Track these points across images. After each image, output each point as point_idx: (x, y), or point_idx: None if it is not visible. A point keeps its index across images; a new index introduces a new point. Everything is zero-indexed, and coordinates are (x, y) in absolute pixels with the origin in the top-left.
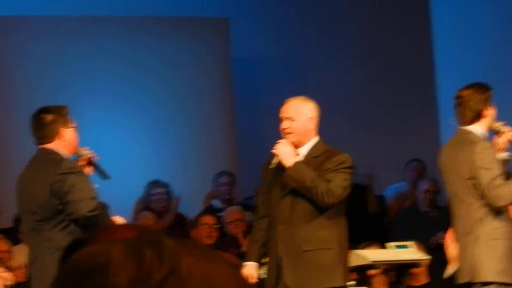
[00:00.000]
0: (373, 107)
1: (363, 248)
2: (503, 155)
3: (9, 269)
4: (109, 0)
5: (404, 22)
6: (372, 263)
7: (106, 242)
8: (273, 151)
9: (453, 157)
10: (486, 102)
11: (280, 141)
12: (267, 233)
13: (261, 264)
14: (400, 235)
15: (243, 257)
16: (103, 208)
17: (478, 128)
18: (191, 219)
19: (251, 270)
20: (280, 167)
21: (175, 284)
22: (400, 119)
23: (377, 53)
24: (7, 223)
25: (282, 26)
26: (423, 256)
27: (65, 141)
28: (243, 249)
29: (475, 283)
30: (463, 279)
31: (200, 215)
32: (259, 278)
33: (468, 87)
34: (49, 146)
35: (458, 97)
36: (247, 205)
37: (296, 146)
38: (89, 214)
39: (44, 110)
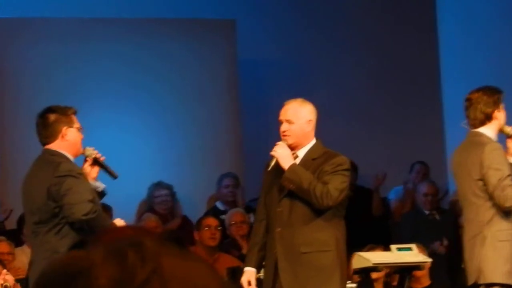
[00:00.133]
0: (378, 109)
1: (367, 251)
2: None
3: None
4: (115, 2)
5: (409, 23)
6: (374, 265)
7: (107, 244)
8: (272, 153)
9: (464, 159)
10: (496, 104)
11: (278, 143)
12: (266, 235)
13: (261, 268)
14: (404, 238)
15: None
16: (103, 211)
17: (488, 131)
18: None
19: (250, 276)
20: (279, 169)
21: (158, 283)
22: (405, 121)
23: (382, 55)
24: (11, 225)
25: (288, 27)
26: (425, 259)
27: (68, 141)
28: (245, 251)
29: (479, 285)
30: (470, 281)
31: (204, 217)
32: (258, 280)
33: (478, 89)
34: (52, 146)
35: (468, 100)
36: (252, 207)
37: (295, 148)
38: (84, 217)
39: (49, 110)
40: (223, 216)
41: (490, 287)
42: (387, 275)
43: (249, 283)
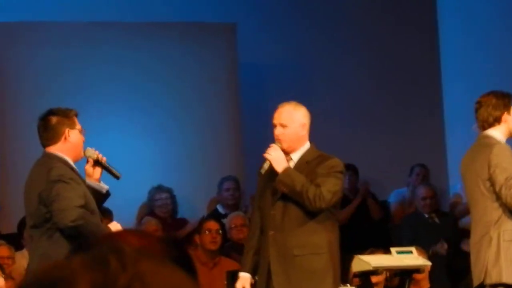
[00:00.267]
0: (379, 111)
1: (368, 254)
2: None
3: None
4: (115, 6)
5: (410, 25)
6: (374, 268)
7: (106, 247)
8: (265, 155)
9: (472, 160)
10: (506, 107)
11: (272, 145)
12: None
13: (256, 272)
14: (404, 241)
15: None
16: (101, 215)
17: (497, 133)
18: (193, 224)
19: (244, 282)
20: (272, 172)
21: (140, 287)
22: (406, 123)
23: (383, 57)
24: (12, 229)
25: (289, 31)
26: (425, 262)
27: (70, 144)
28: None
29: (485, 285)
30: (476, 282)
31: (204, 220)
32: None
33: (489, 93)
34: (53, 149)
35: (478, 102)
36: None
37: (289, 152)
38: (71, 224)
39: (51, 112)
40: (224, 220)
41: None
42: (387, 279)
43: None
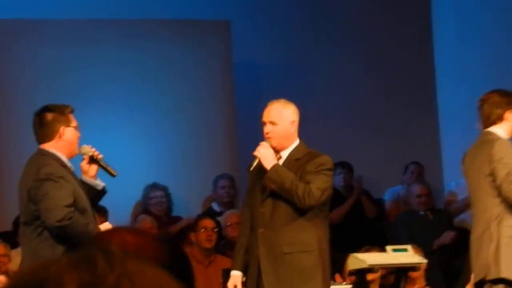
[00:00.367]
0: (374, 110)
1: (363, 252)
2: None
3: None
4: (109, 3)
5: (405, 25)
6: (370, 266)
7: (103, 245)
8: (254, 153)
9: (474, 157)
10: (508, 106)
11: (261, 143)
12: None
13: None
14: (399, 239)
15: None
16: (87, 214)
17: (499, 130)
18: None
19: (236, 280)
20: (262, 170)
21: (128, 286)
22: (401, 123)
23: (378, 57)
24: (7, 226)
25: (284, 29)
26: (420, 260)
27: (65, 141)
28: None
29: (486, 281)
30: (476, 278)
31: (200, 218)
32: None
33: (492, 91)
34: (48, 145)
35: (481, 100)
36: None
37: (279, 150)
38: (57, 224)
39: (46, 109)
40: (219, 218)
41: (497, 284)
42: (383, 277)
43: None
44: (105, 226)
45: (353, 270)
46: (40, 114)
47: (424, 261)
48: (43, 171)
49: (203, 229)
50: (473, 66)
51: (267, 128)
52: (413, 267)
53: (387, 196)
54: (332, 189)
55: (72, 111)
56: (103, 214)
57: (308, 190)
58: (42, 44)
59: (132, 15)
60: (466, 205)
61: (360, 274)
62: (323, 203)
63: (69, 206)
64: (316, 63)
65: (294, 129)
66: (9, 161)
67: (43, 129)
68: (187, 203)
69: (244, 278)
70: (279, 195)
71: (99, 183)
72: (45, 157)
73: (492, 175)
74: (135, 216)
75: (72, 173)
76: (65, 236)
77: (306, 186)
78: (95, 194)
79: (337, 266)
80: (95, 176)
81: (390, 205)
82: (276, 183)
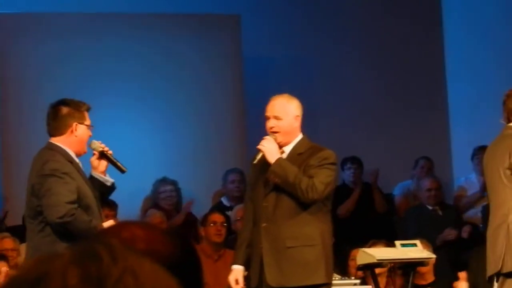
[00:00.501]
0: (383, 106)
1: (369, 246)
2: None
3: (14, 267)
4: None
5: (414, 20)
6: (379, 261)
7: (94, 241)
8: (258, 147)
9: (495, 150)
10: None
11: (266, 137)
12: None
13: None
14: (408, 233)
15: None
16: (91, 211)
17: None
18: (200, 218)
19: (237, 274)
20: (265, 164)
21: (131, 280)
22: (410, 117)
23: (387, 52)
24: (17, 221)
25: (293, 23)
26: (429, 255)
27: (76, 137)
28: None
29: (499, 275)
30: (490, 271)
31: (210, 212)
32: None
33: None
34: (58, 140)
35: (506, 95)
36: None
37: (282, 144)
38: (59, 220)
39: (63, 102)
40: (228, 212)
41: (509, 278)
42: (390, 270)
43: (237, 282)
44: (108, 223)
45: (362, 264)
46: (55, 107)
47: (433, 256)
48: (48, 166)
49: (212, 224)
50: (483, 61)
51: (271, 123)
52: (421, 262)
53: (397, 190)
54: (342, 184)
55: (88, 109)
56: (113, 208)
57: (311, 184)
58: (53, 37)
59: (142, 9)
60: (476, 200)
61: (369, 268)
62: (326, 197)
63: (72, 202)
64: (325, 57)
65: (297, 123)
66: (18, 155)
67: (56, 121)
68: (197, 197)
69: (246, 272)
70: (282, 189)
71: (109, 179)
72: (53, 152)
73: (511, 168)
74: (144, 211)
75: (79, 169)
76: (67, 232)
77: (309, 180)
78: (105, 190)
79: (345, 260)
80: (104, 172)
81: (400, 199)
82: (280, 177)
